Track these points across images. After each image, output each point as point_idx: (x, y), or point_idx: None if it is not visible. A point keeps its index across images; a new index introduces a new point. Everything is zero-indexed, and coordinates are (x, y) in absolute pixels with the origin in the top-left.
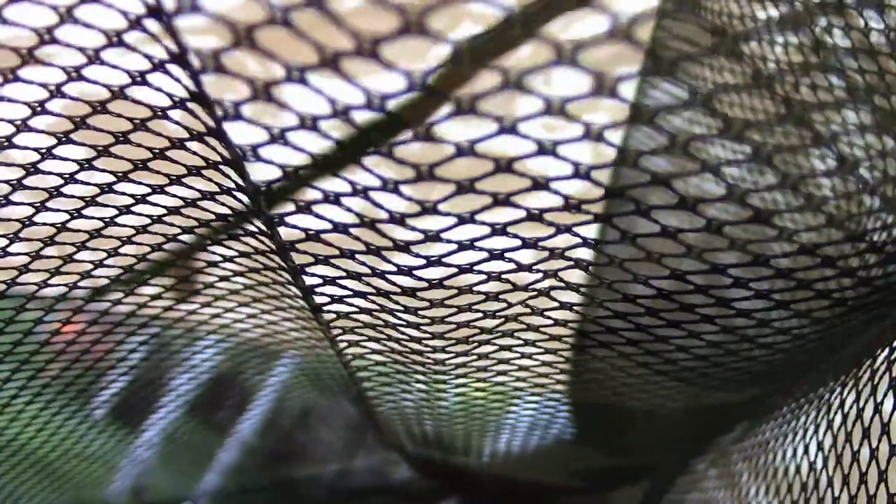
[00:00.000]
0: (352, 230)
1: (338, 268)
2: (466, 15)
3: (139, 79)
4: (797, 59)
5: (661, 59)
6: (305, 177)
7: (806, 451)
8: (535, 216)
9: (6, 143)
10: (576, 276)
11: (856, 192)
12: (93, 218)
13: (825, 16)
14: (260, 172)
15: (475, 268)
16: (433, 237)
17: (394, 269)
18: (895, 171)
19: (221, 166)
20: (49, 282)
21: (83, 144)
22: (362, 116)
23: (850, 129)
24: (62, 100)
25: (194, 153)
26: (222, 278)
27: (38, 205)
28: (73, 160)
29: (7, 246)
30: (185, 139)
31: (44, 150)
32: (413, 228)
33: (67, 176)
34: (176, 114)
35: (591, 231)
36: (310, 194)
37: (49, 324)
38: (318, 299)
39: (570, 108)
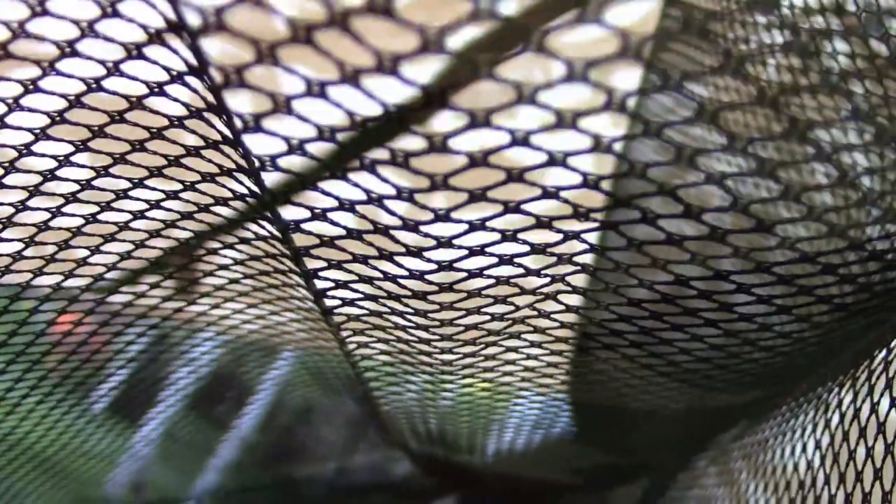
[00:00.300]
0: (364, 235)
1: (349, 272)
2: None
3: (157, 90)
4: (796, 65)
5: (668, 75)
6: (309, 174)
7: (804, 450)
8: (543, 223)
9: (25, 151)
10: (581, 280)
11: (856, 202)
12: (107, 223)
13: (825, 21)
14: (275, 179)
15: (484, 272)
16: (445, 243)
17: (405, 273)
18: (892, 186)
19: (236, 173)
20: (63, 283)
21: (100, 152)
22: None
23: (852, 141)
24: (81, 109)
25: (209, 160)
26: (233, 281)
27: (55, 210)
28: (89, 167)
29: (23, 249)
30: (201, 147)
31: (61, 158)
32: (426, 235)
33: (84, 182)
34: (191, 121)
35: (591, 236)
36: (325, 202)
37: (56, 325)
38: (329, 302)
39: (569, 114)
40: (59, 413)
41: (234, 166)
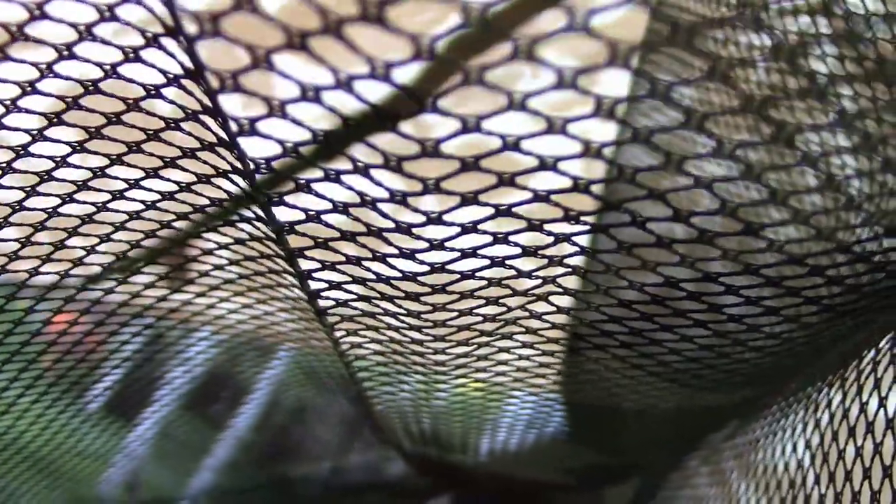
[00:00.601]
0: (358, 237)
1: (343, 273)
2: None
3: (154, 92)
4: (785, 67)
5: (656, 82)
6: (295, 167)
7: (794, 450)
8: (534, 226)
9: (22, 152)
10: (572, 282)
11: (845, 204)
12: (103, 222)
13: (813, 22)
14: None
15: (476, 274)
16: (437, 245)
17: (398, 274)
18: (880, 187)
19: (231, 175)
20: (58, 282)
21: (97, 153)
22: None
23: (839, 147)
24: (78, 111)
25: (205, 162)
26: (228, 281)
27: (51, 210)
28: (86, 168)
29: (19, 249)
30: (197, 149)
31: (59, 159)
32: (419, 237)
33: (81, 182)
34: (187, 124)
35: (582, 238)
36: (319, 204)
37: (51, 324)
38: (323, 303)
39: (558, 119)
40: (55, 412)
41: (229, 168)
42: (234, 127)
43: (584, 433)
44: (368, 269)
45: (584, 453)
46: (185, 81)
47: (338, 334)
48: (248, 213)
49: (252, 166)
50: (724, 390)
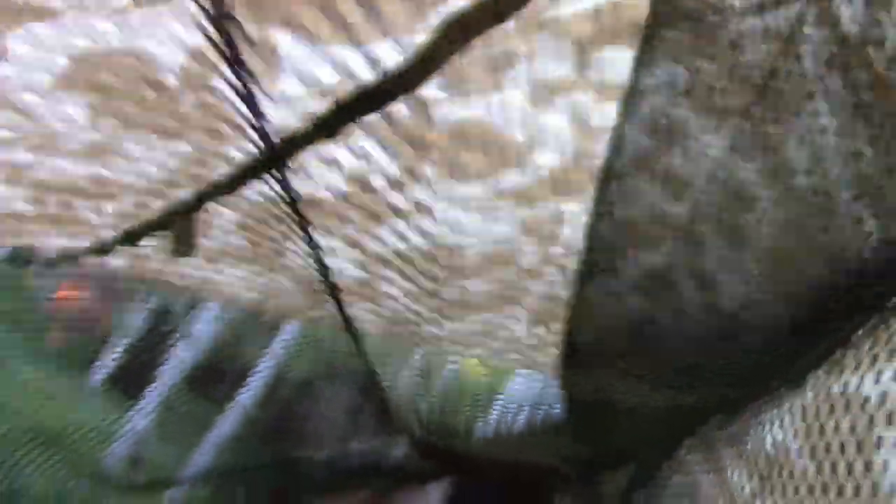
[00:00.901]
0: (365, 211)
1: (353, 245)
2: None
3: (176, 59)
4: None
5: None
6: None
7: (774, 442)
8: (530, 199)
9: (37, 121)
10: (568, 260)
11: (833, 187)
12: (115, 195)
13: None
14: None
15: (475, 249)
16: (440, 221)
17: (404, 247)
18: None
19: (249, 146)
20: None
21: (108, 124)
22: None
23: (832, 127)
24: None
25: (221, 134)
26: (240, 255)
27: (63, 182)
28: (97, 138)
29: (30, 220)
30: (214, 120)
31: (72, 127)
32: (422, 213)
33: (93, 152)
34: (207, 95)
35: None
36: (332, 177)
37: (58, 298)
38: (333, 276)
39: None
40: (59, 386)
41: (246, 139)
42: (253, 97)
43: (578, 426)
44: (376, 238)
45: (580, 449)
46: (207, 49)
47: (347, 308)
48: (264, 185)
49: (269, 138)
50: (703, 391)
